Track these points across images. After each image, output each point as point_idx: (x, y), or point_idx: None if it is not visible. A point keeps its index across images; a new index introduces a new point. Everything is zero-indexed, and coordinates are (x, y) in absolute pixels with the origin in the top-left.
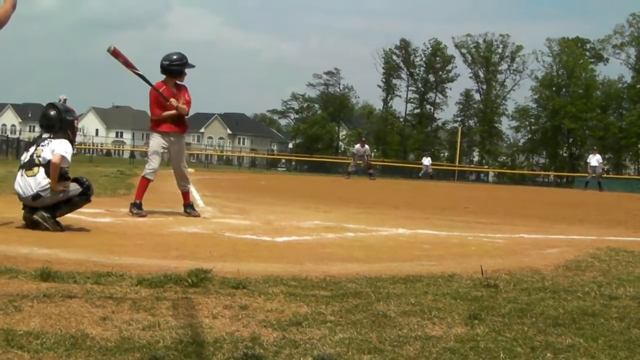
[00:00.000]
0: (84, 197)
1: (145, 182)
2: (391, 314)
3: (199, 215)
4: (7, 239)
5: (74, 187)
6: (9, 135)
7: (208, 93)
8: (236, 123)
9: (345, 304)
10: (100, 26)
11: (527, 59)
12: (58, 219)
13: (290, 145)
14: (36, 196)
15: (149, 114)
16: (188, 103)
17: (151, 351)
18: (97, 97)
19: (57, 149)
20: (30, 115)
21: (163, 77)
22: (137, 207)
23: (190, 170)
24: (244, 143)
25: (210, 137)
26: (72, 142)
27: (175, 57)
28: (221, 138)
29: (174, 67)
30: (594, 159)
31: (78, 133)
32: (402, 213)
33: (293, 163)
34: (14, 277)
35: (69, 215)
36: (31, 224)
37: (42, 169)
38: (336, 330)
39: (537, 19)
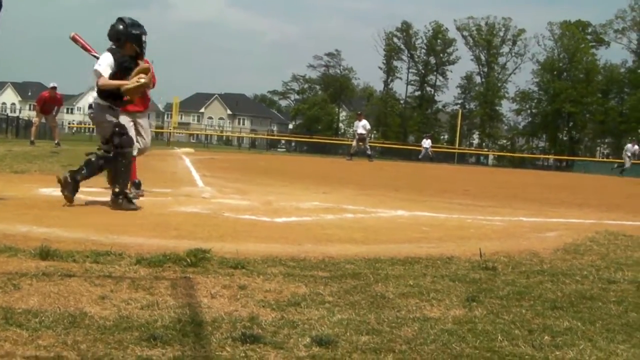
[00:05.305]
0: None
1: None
2: (389, 296)
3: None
4: (6, 218)
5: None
6: (9, 114)
7: (208, 73)
8: (236, 103)
9: (343, 285)
10: (102, 5)
11: (528, 42)
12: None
13: (290, 126)
14: (90, 106)
15: None
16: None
17: (149, 330)
18: None
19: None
20: (30, 94)
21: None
22: (134, 187)
23: (190, 150)
24: (243, 123)
25: (210, 118)
26: (140, 55)
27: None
28: (221, 118)
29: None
30: (633, 149)
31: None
32: (402, 195)
33: (293, 144)
34: (13, 256)
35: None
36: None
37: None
38: (334, 311)
39: (539, 3)
